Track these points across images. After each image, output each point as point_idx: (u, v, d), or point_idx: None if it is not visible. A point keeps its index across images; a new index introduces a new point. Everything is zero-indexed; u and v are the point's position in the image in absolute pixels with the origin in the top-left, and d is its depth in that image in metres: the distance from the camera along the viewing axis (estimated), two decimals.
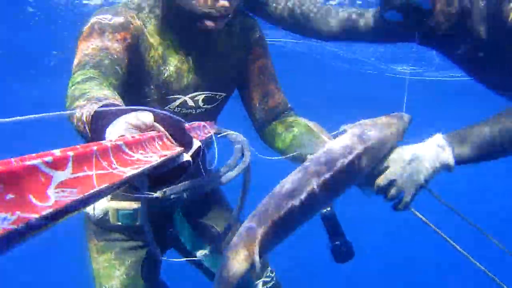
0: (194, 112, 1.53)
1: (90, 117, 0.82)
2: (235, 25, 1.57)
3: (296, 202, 1.11)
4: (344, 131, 1.30)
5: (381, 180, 1.28)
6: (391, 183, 1.27)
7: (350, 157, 1.19)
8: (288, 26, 1.82)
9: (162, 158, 0.58)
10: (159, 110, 0.70)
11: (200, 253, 1.70)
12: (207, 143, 1.10)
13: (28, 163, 0.36)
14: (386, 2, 1.43)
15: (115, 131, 0.67)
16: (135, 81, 1.38)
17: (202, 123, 1.19)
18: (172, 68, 1.45)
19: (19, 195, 0.34)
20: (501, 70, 1.55)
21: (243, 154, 1.21)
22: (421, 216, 1.33)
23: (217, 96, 1.56)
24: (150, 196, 0.87)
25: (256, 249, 1.06)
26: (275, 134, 1.57)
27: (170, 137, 0.67)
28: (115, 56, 1.24)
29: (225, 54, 1.55)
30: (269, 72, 1.64)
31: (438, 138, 1.31)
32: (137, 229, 1.61)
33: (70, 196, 0.38)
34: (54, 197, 0.36)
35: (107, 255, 1.66)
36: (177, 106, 1.49)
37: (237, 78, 1.61)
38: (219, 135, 1.39)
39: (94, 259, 1.68)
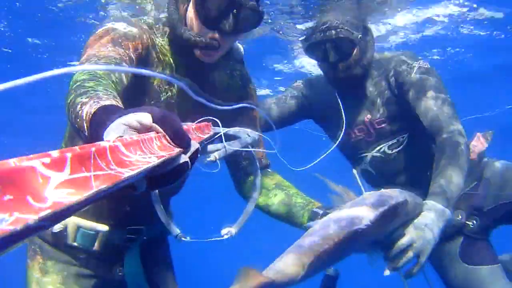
0: None
1: (90, 116, 0.82)
2: (236, 70, 1.61)
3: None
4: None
5: (402, 243, 1.40)
6: (410, 246, 1.40)
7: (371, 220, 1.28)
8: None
9: (160, 159, 0.58)
10: (158, 110, 0.70)
11: None
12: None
13: (26, 164, 0.36)
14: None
15: (114, 132, 0.67)
16: (136, 94, 1.37)
17: (201, 124, 1.19)
18: (175, 91, 1.46)
19: (17, 196, 0.34)
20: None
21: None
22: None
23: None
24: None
25: (308, 260, 1.13)
26: (260, 188, 1.61)
27: (168, 138, 0.67)
28: (123, 64, 1.24)
29: (224, 91, 1.57)
30: (258, 124, 1.70)
31: (435, 205, 1.52)
32: (92, 256, 1.50)
33: (68, 197, 0.38)
34: (52, 198, 0.36)
35: (52, 277, 1.48)
36: None
37: (229, 122, 1.58)
38: (217, 135, 1.40)
39: (34, 279, 1.48)
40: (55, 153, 0.40)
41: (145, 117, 0.67)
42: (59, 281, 1.48)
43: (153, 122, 0.68)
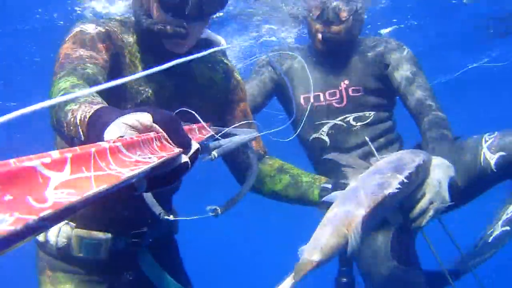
0: None
1: (86, 120, 0.82)
2: (218, 62, 1.59)
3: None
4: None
5: (424, 203, 1.40)
6: (430, 205, 1.41)
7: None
8: None
9: (161, 160, 0.58)
10: (158, 110, 0.71)
11: None
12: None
13: (26, 164, 0.36)
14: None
15: (114, 133, 0.67)
16: (112, 96, 1.33)
17: (201, 124, 1.20)
18: (151, 91, 1.42)
19: (17, 196, 0.34)
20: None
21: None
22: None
23: None
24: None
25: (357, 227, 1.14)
26: (263, 177, 1.61)
27: (168, 138, 0.67)
28: (99, 68, 1.22)
29: (206, 86, 1.54)
30: (250, 115, 1.68)
31: (444, 161, 1.53)
32: (98, 264, 1.50)
33: (68, 197, 0.38)
34: (52, 199, 0.36)
35: (65, 286, 1.50)
36: None
37: (217, 115, 1.59)
38: (217, 135, 1.40)
39: None
40: (55, 153, 0.40)
41: (145, 117, 0.67)
42: (72, 287, 1.49)
43: (153, 122, 0.68)
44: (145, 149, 0.58)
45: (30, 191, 0.35)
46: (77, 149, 0.44)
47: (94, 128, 0.75)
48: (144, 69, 1.39)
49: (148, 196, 1.31)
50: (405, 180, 1.28)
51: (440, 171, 1.47)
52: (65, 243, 1.46)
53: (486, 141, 1.79)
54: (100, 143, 0.50)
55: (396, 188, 1.24)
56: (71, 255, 1.48)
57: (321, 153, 2.11)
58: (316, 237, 1.14)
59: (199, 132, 1.17)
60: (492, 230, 2.36)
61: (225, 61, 1.63)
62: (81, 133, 0.85)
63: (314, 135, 2.15)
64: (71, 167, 0.41)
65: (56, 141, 1.50)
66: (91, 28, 1.32)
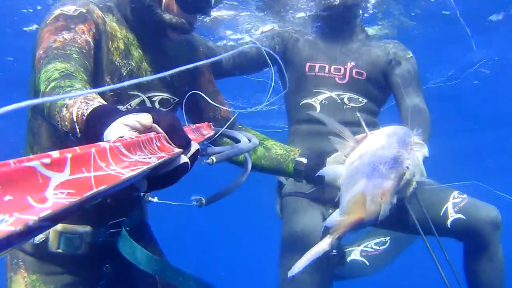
0: None
1: (83, 118, 0.82)
2: (178, 38, 1.61)
3: None
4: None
5: (408, 176, 1.40)
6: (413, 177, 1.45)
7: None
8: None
9: (160, 160, 0.58)
10: (158, 111, 0.71)
11: None
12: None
13: (26, 164, 0.36)
14: None
15: (114, 133, 0.67)
16: (99, 72, 1.35)
17: (200, 125, 1.20)
18: (133, 64, 1.44)
19: (17, 197, 0.34)
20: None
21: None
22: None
23: (171, 100, 1.57)
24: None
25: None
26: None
27: (168, 138, 0.67)
28: (84, 50, 1.23)
29: (175, 60, 1.58)
30: (215, 83, 1.73)
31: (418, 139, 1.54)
32: (78, 260, 1.45)
33: (68, 197, 0.38)
34: (52, 199, 0.36)
35: None
36: (137, 105, 1.46)
37: (188, 86, 1.62)
38: (216, 135, 1.40)
39: None
40: (55, 154, 0.40)
41: (145, 118, 0.67)
42: None
43: (153, 123, 0.68)
44: (145, 150, 0.58)
45: (30, 191, 0.35)
46: (77, 149, 0.44)
47: (94, 128, 0.75)
48: (126, 45, 1.43)
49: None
50: (411, 154, 1.33)
51: (417, 147, 1.50)
52: (42, 239, 1.41)
53: (454, 198, 1.87)
54: (100, 143, 0.50)
55: (408, 165, 1.30)
56: (49, 251, 1.42)
57: (307, 116, 2.19)
58: (350, 203, 1.23)
59: (199, 132, 1.17)
60: (351, 249, 2.50)
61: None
62: (78, 130, 0.84)
63: (307, 100, 2.22)
64: (71, 167, 0.41)
65: (28, 139, 1.48)
66: (72, 10, 1.31)
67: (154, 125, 0.68)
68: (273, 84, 1.71)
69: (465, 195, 1.87)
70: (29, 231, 0.33)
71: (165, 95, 1.54)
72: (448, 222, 1.83)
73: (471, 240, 1.82)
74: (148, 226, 1.75)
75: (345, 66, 2.22)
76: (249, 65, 2.27)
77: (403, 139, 1.37)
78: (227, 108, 1.73)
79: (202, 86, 1.67)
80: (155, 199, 1.31)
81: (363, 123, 1.46)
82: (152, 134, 0.64)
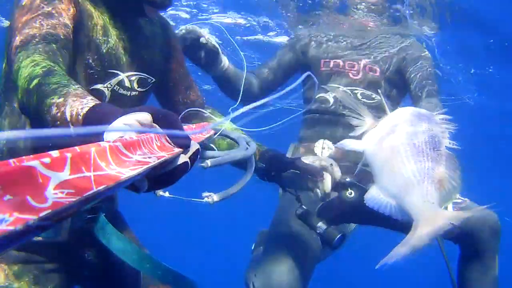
0: (128, 95, 1.49)
1: (79, 117, 0.81)
2: (154, 17, 1.60)
3: None
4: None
5: None
6: None
7: None
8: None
9: (160, 159, 0.58)
10: (157, 110, 0.70)
11: None
12: None
13: (25, 164, 0.36)
14: None
15: (114, 132, 0.67)
16: (79, 50, 1.32)
17: (200, 124, 1.20)
18: (112, 41, 1.42)
19: (17, 196, 0.34)
20: None
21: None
22: None
23: (148, 80, 1.56)
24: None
25: None
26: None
27: (168, 138, 0.67)
28: (62, 37, 1.18)
29: (151, 40, 1.59)
30: (186, 66, 1.75)
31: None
32: (58, 246, 1.42)
33: (68, 197, 0.38)
34: (52, 199, 0.36)
35: (23, 280, 1.37)
36: (116, 85, 1.45)
37: (162, 67, 1.64)
38: (216, 135, 1.40)
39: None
40: (55, 153, 0.40)
41: (145, 117, 0.67)
42: (31, 282, 1.38)
43: (153, 122, 0.68)
44: (145, 149, 0.58)
45: (30, 191, 0.35)
46: (77, 149, 0.44)
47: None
48: (104, 23, 1.41)
49: None
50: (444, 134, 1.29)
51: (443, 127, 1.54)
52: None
53: (455, 198, 1.89)
54: (100, 142, 0.50)
55: (447, 142, 1.26)
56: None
57: (324, 107, 2.29)
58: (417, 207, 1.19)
59: (198, 133, 1.17)
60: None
61: (159, 15, 1.66)
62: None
63: (321, 94, 2.30)
64: (70, 167, 0.41)
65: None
66: None
67: (154, 124, 0.67)
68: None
69: (466, 199, 1.85)
70: (29, 231, 0.33)
71: (143, 74, 1.54)
72: None
73: (467, 245, 1.79)
74: (121, 214, 1.73)
75: (359, 63, 2.29)
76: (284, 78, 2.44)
77: (428, 117, 1.29)
78: (197, 93, 1.75)
79: (173, 69, 1.69)
80: (167, 194, 1.25)
81: (384, 101, 1.42)
82: (152, 134, 0.64)
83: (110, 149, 0.50)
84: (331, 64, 2.31)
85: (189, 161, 0.67)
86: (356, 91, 2.24)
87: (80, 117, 0.80)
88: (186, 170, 0.67)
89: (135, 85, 1.51)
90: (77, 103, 0.83)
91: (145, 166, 0.53)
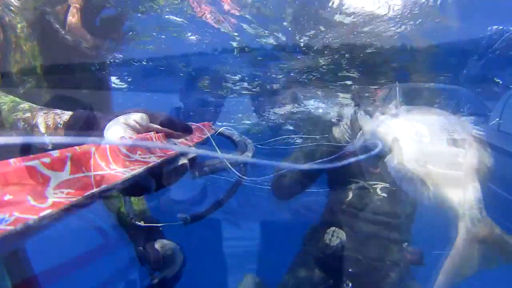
0: None
1: (59, 126, 0.77)
2: None
3: None
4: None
5: None
6: None
7: None
8: None
9: (160, 159, 0.58)
10: (151, 111, 0.71)
11: None
12: None
13: (26, 163, 0.36)
14: None
15: (114, 133, 0.66)
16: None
17: (200, 124, 1.19)
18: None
19: (17, 196, 0.34)
20: None
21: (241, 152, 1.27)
22: None
23: None
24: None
25: None
26: None
27: (167, 135, 0.67)
28: None
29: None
30: None
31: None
32: None
33: (68, 197, 0.38)
34: (52, 198, 0.36)
35: None
36: None
37: None
38: (215, 134, 1.40)
39: None
40: (55, 153, 0.40)
41: (142, 117, 0.67)
42: None
43: (150, 122, 0.68)
44: (144, 149, 0.58)
45: (30, 190, 0.35)
46: (77, 149, 0.43)
47: (93, 131, 0.74)
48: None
49: None
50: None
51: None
52: None
53: None
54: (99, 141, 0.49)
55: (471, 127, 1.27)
56: None
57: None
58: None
59: (198, 133, 1.17)
60: None
61: None
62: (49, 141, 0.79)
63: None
64: (71, 166, 0.41)
65: None
66: None
67: (152, 124, 0.67)
68: None
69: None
70: (29, 231, 0.33)
71: None
72: None
73: None
74: None
75: None
76: None
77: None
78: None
79: None
80: (142, 223, 1.26)
81: (398, 93, 1.45)
82: (151, 134, 0.64)
83: (110, 149, 0.50)
84: None
85: (187, 162, 0.67)
86: None
87: (61, 126, 0.76)
88: (186, 171, 0.67)
89: None
90: (51, 114, 0.77)
91: (145, 166, 0.53)
